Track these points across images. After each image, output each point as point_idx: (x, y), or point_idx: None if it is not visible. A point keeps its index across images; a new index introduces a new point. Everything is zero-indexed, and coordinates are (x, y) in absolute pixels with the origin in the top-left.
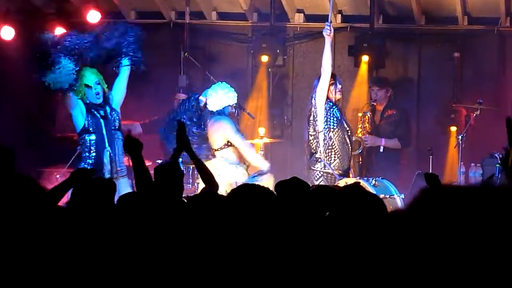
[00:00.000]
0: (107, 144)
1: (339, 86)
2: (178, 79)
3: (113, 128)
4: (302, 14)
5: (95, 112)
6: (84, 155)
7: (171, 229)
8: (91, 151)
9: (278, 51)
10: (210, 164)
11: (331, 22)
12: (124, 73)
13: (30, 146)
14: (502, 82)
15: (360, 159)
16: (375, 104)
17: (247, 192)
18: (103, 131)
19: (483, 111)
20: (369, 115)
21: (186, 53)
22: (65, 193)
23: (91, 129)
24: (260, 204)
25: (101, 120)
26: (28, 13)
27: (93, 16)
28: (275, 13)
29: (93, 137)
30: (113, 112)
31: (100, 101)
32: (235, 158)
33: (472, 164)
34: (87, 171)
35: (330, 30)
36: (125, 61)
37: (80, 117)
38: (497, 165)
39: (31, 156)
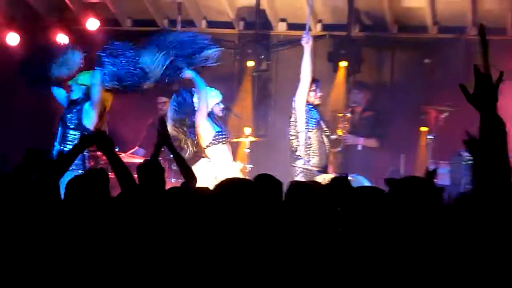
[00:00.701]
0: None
1: (319, 94)
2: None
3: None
4: (285, 23)
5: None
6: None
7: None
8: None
9: (262, 56)
10: (206, 167)
11: (308, 31)
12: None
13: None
14: (469, 86)
15: (335, 157)
16: (354, 106)
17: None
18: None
19: (451, 112)
20: (349, 115)
21: None
22: (75, 158)
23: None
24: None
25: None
26: (32, 21)
27: (92, 24)
28: (259, 21)
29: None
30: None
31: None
32: (229, 154)
33: (441, 162)
34: (93, 135)
35: (308, 39)
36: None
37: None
38: (464, 163)
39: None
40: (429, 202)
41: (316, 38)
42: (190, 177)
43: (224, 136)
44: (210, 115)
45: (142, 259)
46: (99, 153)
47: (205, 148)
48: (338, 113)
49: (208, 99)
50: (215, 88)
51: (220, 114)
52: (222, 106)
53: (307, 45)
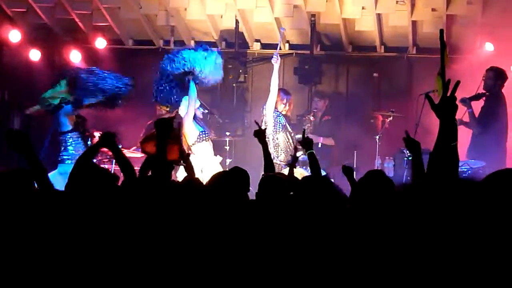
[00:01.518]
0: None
1: (288, 107)
2: None
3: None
4: (259, 43)
5: None
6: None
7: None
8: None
9: (240, 71)
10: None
11: (278, 53)
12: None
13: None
14: (409, 96)
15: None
16: (315, 111)
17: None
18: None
19: (395, 117)
20: (311, 119)
21: None
22: (96, 153)
23: None
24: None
25: None
26: (51, 40)
27: (100, 43)
28: (238, 42)
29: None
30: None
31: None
32: (210, 149)
33: (387, 158)
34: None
35: (277, 59)
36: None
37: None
38: (405, 158)
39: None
40: (385, 190)
41: (284, 56)
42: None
43: (206, 134)
44: (194, 117)
45: (141, 242)
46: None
47: (191, 146)
48: (302, 116)
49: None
50: (199, 98)
51: (201, 116)
52: (202, 110)
53: (276, 64)
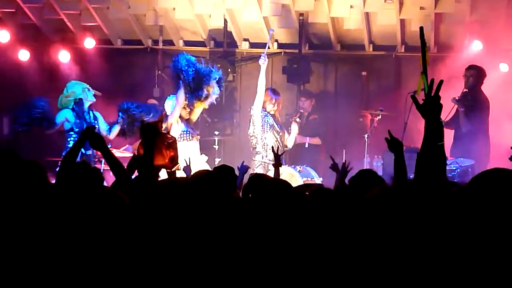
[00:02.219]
0: None
1: (276, 107)
2: (153, 91)
3: None
4: (248, 42)
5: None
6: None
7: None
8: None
9: (229, 70)
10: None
11: (265, 53)
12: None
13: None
14: (397, 94)
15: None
16: (302, 111)
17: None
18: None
19: (384, 116)
20: (298, 120)
21: (159, 71)
22: (79, 150)
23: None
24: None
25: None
26: (40, 40)
27: (89, 43)
28: (227, 41)
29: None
30: None
31: None
32: (196, 148)
33: (375, 156)
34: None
35: (265, 60)
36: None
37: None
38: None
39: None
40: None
41: (273, 55)
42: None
43: (189, 134)
44: (180, 117)
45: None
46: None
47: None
48: (290, 115)
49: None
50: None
51: (187, 116)
52: (188, 109)
53: (263, 65)
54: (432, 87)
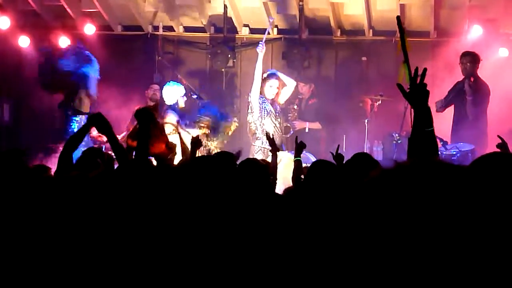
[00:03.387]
0: None
1: (275, 91)
2: (154, 76)
3: None
4: (248, 28)
5: None
6: None
7: None
8: None
9: (229, 56)
10: None
11: (264, 41)
12: None
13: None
14: (397, 79)
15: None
16: (301, 96)
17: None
18: None
19: (384, 101)
20: (295, 107)
21: (159, 57)
22: (84, 136)
23: None
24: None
25: None
26: (39, 26)
27: (89, 29)
28: (227, 27)
29: None
30: None
31: None
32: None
33: (375, 141)
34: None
35: (263, 47)
36: None
37: None
38: (394, 142)
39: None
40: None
41: (272, 40)
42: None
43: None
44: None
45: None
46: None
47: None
48: (290, 102)
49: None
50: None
51: (183, 105)
52: (185, 98)
53: (261, 52)
54: (417, 75)
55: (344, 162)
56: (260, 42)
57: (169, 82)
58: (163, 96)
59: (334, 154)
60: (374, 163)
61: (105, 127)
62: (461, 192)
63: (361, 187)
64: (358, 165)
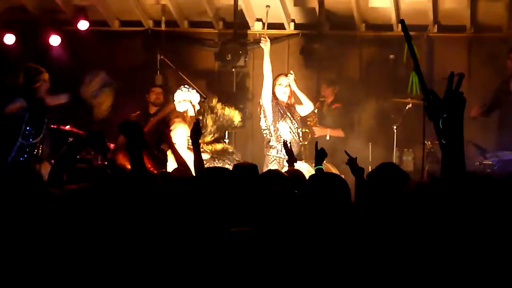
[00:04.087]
0: None
1: (284, 90)
2: (155, 78)
3: None
4: (261, 22)
5: None
6: None
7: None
8: None
9: (240, 53)
10: None
11: (265, 34)
12: None
13: None
14: (431, 80)
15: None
16: (323, 99)
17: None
18: None
19: (414, 104)
20: (315, 111)
21: (161, 56)
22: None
23: None
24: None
25: None
26: (27, 22)
27: (83, 25)
28: (237, 21)
29: None
30: None
31: None
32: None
33: (405, 149)
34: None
35: (266, 40)
36: None
37: None
38: (426, 150)
39: None
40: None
41: (289, 36)
42: None
43: None
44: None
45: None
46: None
47: None
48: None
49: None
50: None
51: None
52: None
53: (265, 47)
54: (452, 80)
55: (368, 173)
56: (262, 37)
57: (182, 87)
58: (175, 101)
59: (350, 164)
60: (403, 175)
61: (102, 145)
62: (498, 209)
63: (391, 204)
64: (384, 177)
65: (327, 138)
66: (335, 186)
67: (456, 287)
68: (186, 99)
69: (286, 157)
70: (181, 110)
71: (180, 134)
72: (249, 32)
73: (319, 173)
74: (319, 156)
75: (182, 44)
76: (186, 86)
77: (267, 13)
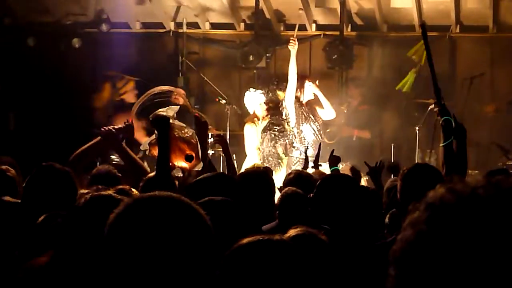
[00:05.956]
0: None
1: (309, 92)
2: (177, 80)
3: None
4: (283, 24)
5: None
6: None
7: None
8: None
9: (262, 55)
10: None
11: (295, 36)
12: None
13: None
14: (453, 80)
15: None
16: (350, 100)
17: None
18: None
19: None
20: (345, 111)
21: (183, 58)
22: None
23: None
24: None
25: None
26: (49, 25)
27: (104, 27)
28: (259, 22)
29: None
30: None
31: None
32: None
33: (428, 151)
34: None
35: (295, 43)
36: None
37: None
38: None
39: None
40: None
41: (311, 37)
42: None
43: None
44: None
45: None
46: None
47: None
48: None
49: None
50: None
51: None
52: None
53: (293, 49)
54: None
55: (401, 174)
56: (291, 39)
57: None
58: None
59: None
60: (439, 177)
61: (119, 145)
62: None
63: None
64: (420, 179)
65: (354, 139)
66: (345, 187)
67: None
68: (253, 100)
69: (310, 158)
70: (250, 112)
71: (249, 134)
72: (270, 33)
73: (331, 175)
74: (333, 162)
75: (203, 46)
76: (252, 88)
77: (298, 17)
